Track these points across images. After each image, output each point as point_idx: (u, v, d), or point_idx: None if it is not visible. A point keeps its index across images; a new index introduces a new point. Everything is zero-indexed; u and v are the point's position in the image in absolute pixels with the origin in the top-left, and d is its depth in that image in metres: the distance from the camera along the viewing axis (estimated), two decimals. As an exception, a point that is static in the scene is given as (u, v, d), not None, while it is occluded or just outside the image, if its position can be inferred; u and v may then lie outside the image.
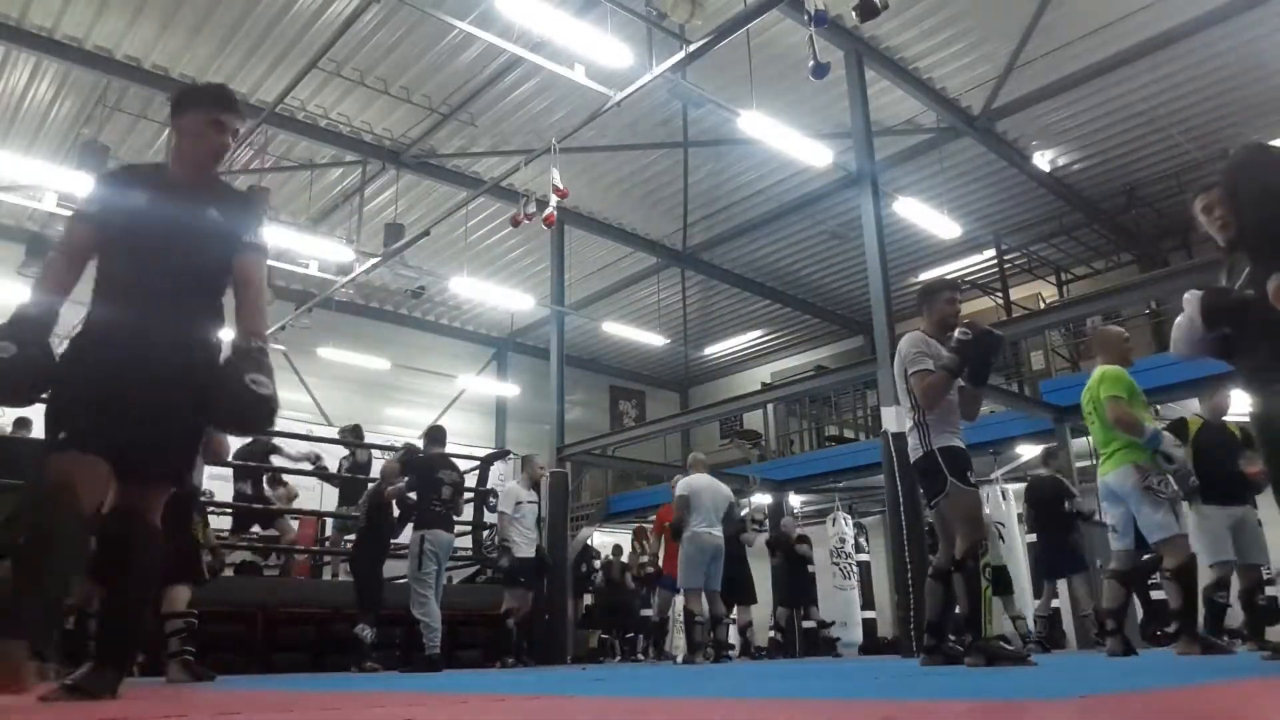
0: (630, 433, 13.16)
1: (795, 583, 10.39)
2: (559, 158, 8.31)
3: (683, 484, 7.41)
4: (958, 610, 4.00)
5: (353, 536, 7.78)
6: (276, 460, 8.61)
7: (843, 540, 12.16)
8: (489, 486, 9.70)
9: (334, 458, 10.19)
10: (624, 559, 12.01)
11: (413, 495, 6.82)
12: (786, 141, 8.28)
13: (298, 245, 10.94)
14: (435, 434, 7.08)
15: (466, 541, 9.27)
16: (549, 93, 9.89)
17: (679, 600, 8.09)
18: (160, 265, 2.45)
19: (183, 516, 4.51)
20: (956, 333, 4.02)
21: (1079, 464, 10.15)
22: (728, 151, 11.09)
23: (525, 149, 9.99)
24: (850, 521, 12.50)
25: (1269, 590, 6.11)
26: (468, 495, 8.09)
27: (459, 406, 16.11)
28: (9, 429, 8.00)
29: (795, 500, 13.74)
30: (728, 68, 8.65)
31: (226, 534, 8.58)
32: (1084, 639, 8.59)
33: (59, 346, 2.38)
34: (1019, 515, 9.95)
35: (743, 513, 10.10)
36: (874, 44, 9.13)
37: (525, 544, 7.78)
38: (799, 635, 10.96)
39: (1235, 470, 5.15)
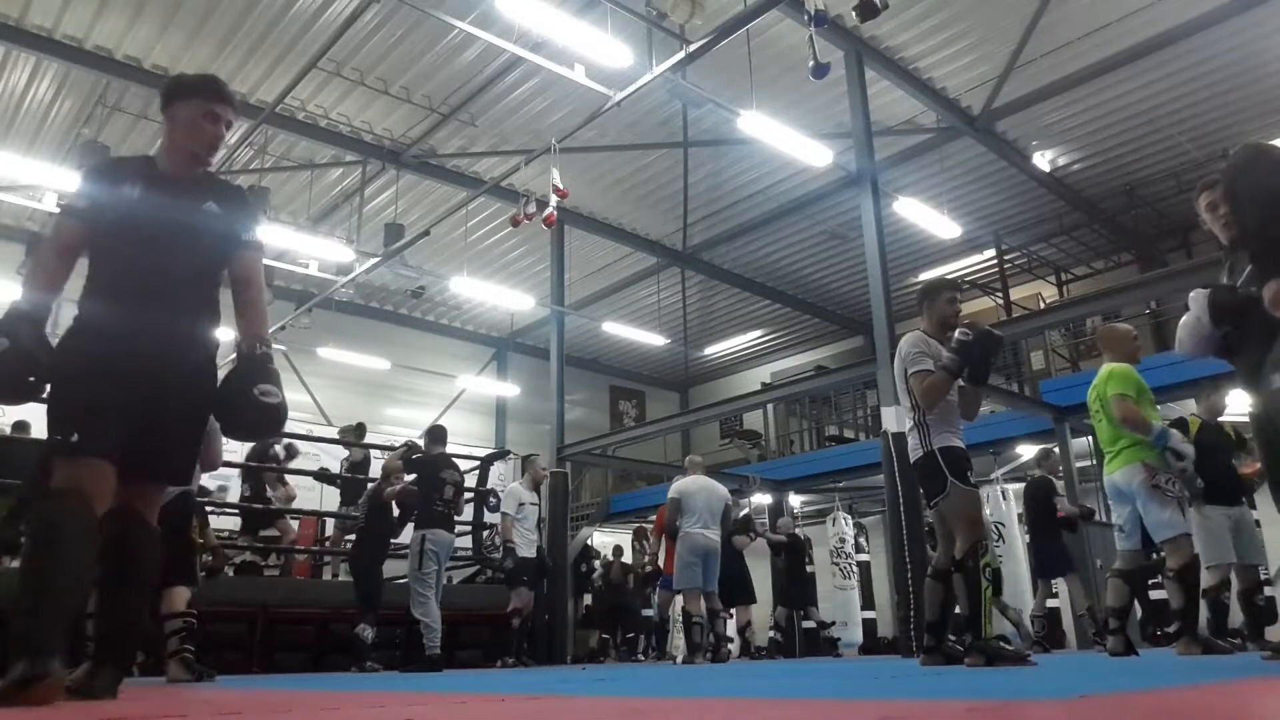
0: (630, 433, 13.16)
1: (795, 583, 10.39)
2: (559, 158, 8.31)
3: (675, 486, 7.49)
4: (957, 610, 4.00)
5: (353, 536, 7.79)
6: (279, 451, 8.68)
7: (843, 540, 12.17)
8: (489, 486, 9.70)
9: (335, 458, 10.21)
10: (624, 559, 12.01)
11: (414, 489, 6.83)
12: (786, 141, 8.28)
13: (298, 245, 10.95)
14: (437, 433, 7.07)
15: (466, 541, 9.27)
16: (549, 93, 9.89)
17: (679, 601, 8.11)
18: (157, 260, 2.40)
19: (181, 517, 4.52)
20: (957, 333, 4.01)
21: (1079, 464, 10.17)
22: (728, 151, 11.09)
23: (525, 149, 9.99)
24: (850, 521, 12.50)
25: (1266, 591, 6.11)
26: (467, 495, 8.10)
27: (459, 406, 16.11)
28: (8, 430, 8.00)
29: (795, 500, 13.74)
30: (728, 68, 8.64)
31: (229, 535, 8.61)
32: (1084, 638, 8.60)
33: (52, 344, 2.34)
34: (1019, 515, 9.96)
35: (742, 513, 10.12)
36: (874, 44, 9.13)
37: (526, 545, 7.79)
38: (799, 635, 10.96)
39: (1233, 470, 5.16)
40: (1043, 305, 12.66)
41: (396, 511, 7.04)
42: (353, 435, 9.68)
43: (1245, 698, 1.86)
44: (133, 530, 2.36)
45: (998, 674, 3.22)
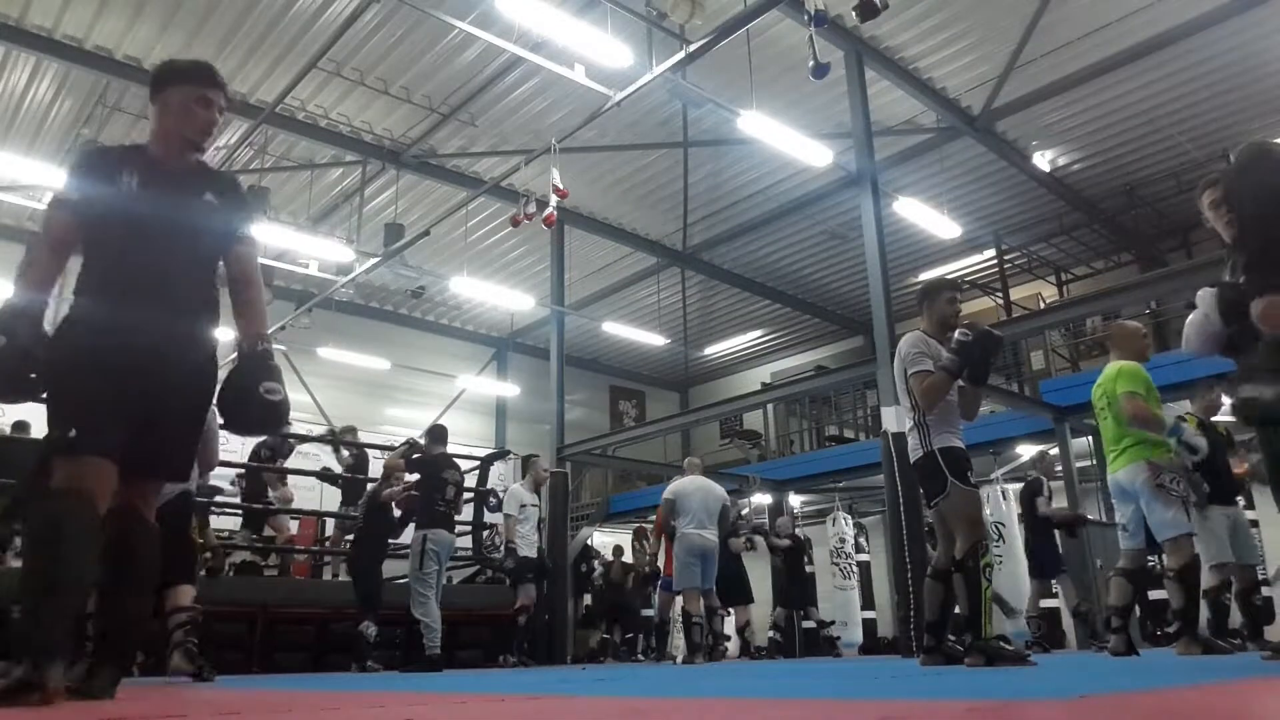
0: (630, 433, 13.16)
1: (795, 583, 10.40)
2: (559, 158, 8.31)
3: (671, 487, 7.54)
4: (957, 610, 4.00)
5: (351, 537, 7.79)
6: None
7: (843, 540, 12.17)
8: (489, 487, 9.70)
9: (333, 458, 10.20)
10: (625, 559, 12.01)
11: (415, 493, 6.82)
12: (786, 141, 8.28)
13: (298, 245, 10.95)
14: (438, 433, 7.07)
15: (466, 541, 9.26)
16: (549, 93, 9.89)
17: (679, 602, 8.12)
18: (154, 254, 2.34)
19: (181, 516, 4.52)
20: (957, 333, 4.01)
21: (1079, 464, 10.17)
22: (728, 151, 11.08)
23: (525, 149, 9.99)
24: (850, 521, 12.50)
25: (1264, 591, 6.12)
26: (467, 495, 8.10)
27: (459, 406, 16.11)
28: (8, 430, 8.00)
29: (795, 500, 13.74)
30: (728, 68, 8.64)
31: (228, 534, 8.61)
32: (1083, 638, 8.60)
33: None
34: (1019, 515, 9.96)
35: (749, 524, 10.14)
36: (874, 44, 9.13)
37: (526, 545, 7.80)
38: (799, 635, 10.96)
39: (1230, 470, 5.16)
40: (1043, 305, 12.66)
41: (397, 513, 7.03)
42: (345, 438, 9.67)
43: (1245, 698, 1.86)
44: (133, 530, 2.35)
45: (998, 674, 3.22)
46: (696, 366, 18.23)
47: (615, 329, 13.99)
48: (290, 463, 9.20)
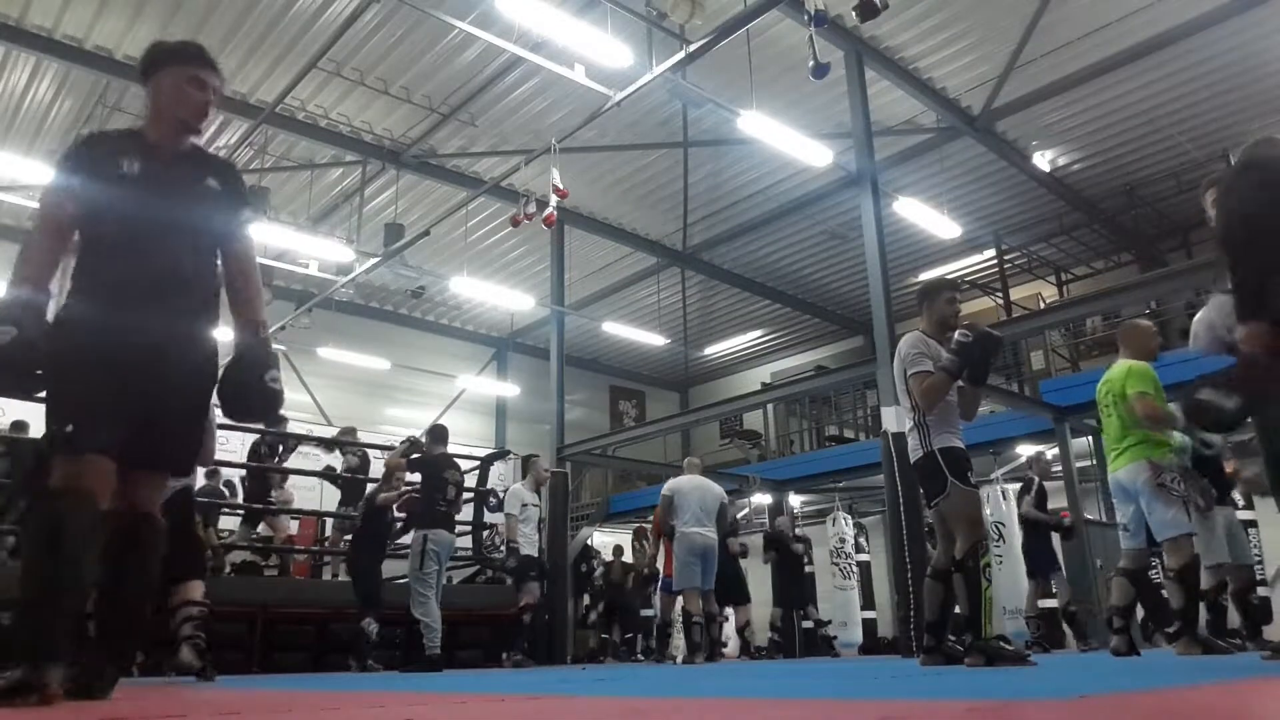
0: (630, 433, 13.17)
1: (793, 583, 10.39)
2: (559, 158, 8.31)
3: (669, 484, 7.53)
4: (957, 610, 4.00)
5: (350, 537, 7.79)
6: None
7: (843, 540, 12.16)
8: (489, 487, 9.71)
9: (336, 458, 10.22)
10: (625, 559, 12.01)
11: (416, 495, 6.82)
12: (786, 141, 8.28)
13: (298, 245, 10.95)
14: (439, 433, 7.06)
15: (466, 541, 9.27)
16: (549, 93, 9.89)
17: (679, 602, 8.12)
18: (157, 242, 2.28)
19: (183, 512, 4.51)
20: (957, 334, 4.01)
21: (1079, 464, 10.16)
22: (728, 151, 11.09)
23: (525, 149, 10.00)
24: (850, 521, 12.50)
25: (1260, 590, 6.14)
26: (467, 495, 8.10)
27: (459, 406, 16.11)
28: (6, 429, 7.99)
29: (795, 500, 13.74)
30: (728, 68, 8.64)
31: (228, 534, 8.62)
32: (1075, 638, 8.59)
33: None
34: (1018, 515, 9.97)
35: (741, 514, 10.12)
36: (874, 44, 9.14)
37: (528, 545, 7.80)
38: (798, 635, 10.95)
39: (1224, 470, 5.17)
40: (1043, 305, 12.66)
41: (401, 515, 7.02)
42: (349, 438, 9.69)
43: (1245, 698, 1.86)
44: (139, 528, 2.32)
45: (998, 674, 3.22)
46: (696, 366, 18.24)
47: (615, 329, 13.99)
48: (290, 463, 9.20)
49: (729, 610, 9.10)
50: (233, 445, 9.39)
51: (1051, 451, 10.05)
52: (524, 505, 7.80)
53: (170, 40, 2.52)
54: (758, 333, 17.14)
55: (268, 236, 10.04)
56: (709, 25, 7.31)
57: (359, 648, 6.69)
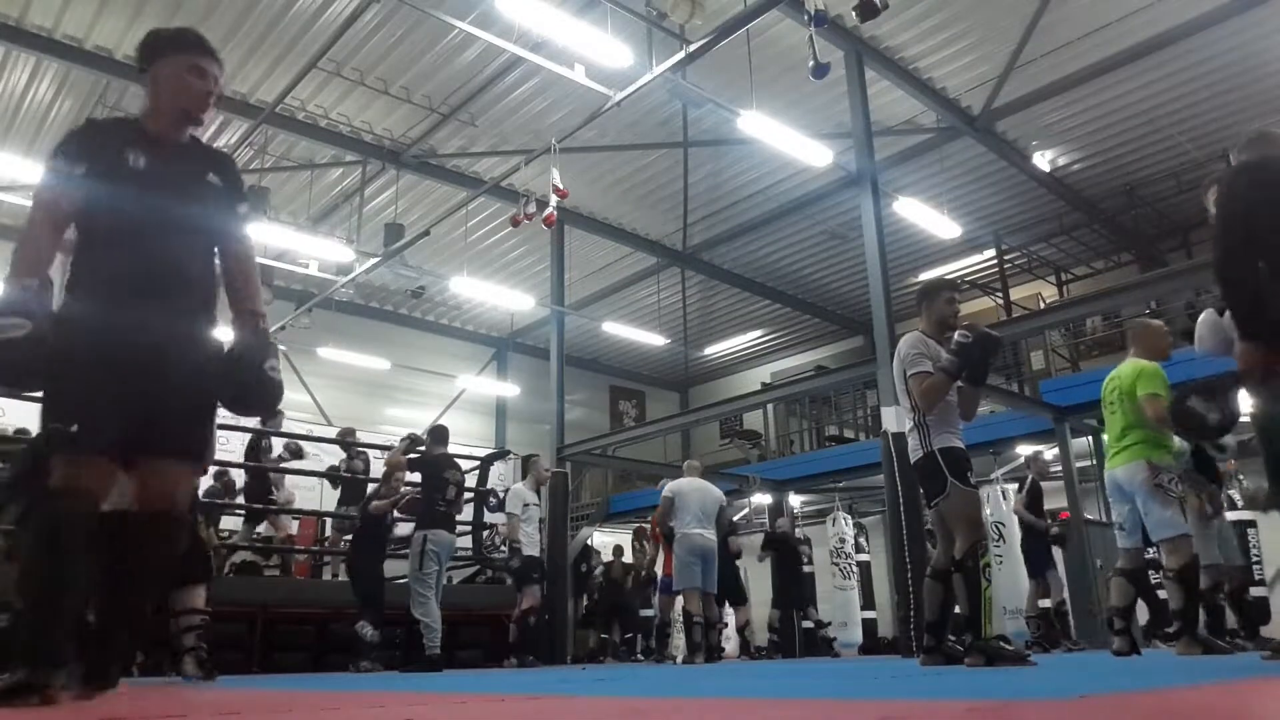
0: (630, 433, 13.16)
1: (793, 583, 10.39)
2: (559, 158, 8.31)
3: (669, 486, 7.56)
4: (957, 610, 4.00)
5: (349, 537, 7.80)
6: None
7: (843, 540, 12.17)
8: (489, 487, 9.71)
9: (337, 458, 10.24)
10: (625, 559, 12.01)
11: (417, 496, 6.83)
12: (786, 141, 8.27)
13: (298, 245, 10.95)
14: (439, 433, 7.07)
15: (466, 541, 9.27)
16: (549, 93, 9.89)
17: (680, 602, 8.12)
18: (158, 239, 2.23)
19: (191, 514, 4.51)
20: (956, 335, 4.00)
21: (1079, 464, 10.16)
22: (728, 151, 11.08)
23: (525, 149, 9.99)
24: (850, 521, 12.50)
25: (1254, 590, 6.15)
26: (467, 495, 8.10)
27: (459, 406, 16.11)
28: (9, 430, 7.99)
29: (795, 500, 13.73)
30: (728, 68, 8.64)
31: (228, 534, 8.62)
32: (1083, 637, 8.60)
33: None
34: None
35: (739, 515, 10.13)
36: (874, 44, 9.13)
37: (529, 544, 7.80)
38: (798, 635, 10.95)
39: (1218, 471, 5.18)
40: (1043, 305, 12.66)
41: (403, 519, 7.02)
42: (349, 439, 9.70)
43: (1245, 698, 1.87)
44: (142, 528, 2.27)
45: (998, 674, 3.22)
46: (696, 366, 18.23)
47: (615, 329, 13.99)
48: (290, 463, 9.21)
49: (728, 613, 9.10)
50: (233, 445, 9.40)
51: (1051, 452, 10.05)
52: (525, 505, 7.81)
53: (167, 28, 2.46)
54: (758, 333, 17.14)
55: (268, 236, 10.04)
56: (709, 25, 7.31)
57: (356, 650, 6.69)
